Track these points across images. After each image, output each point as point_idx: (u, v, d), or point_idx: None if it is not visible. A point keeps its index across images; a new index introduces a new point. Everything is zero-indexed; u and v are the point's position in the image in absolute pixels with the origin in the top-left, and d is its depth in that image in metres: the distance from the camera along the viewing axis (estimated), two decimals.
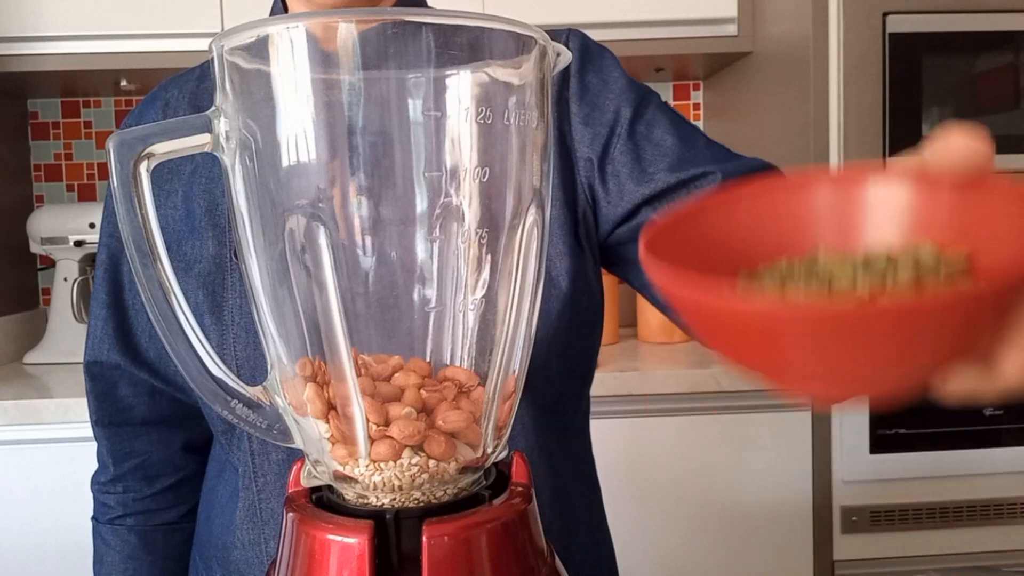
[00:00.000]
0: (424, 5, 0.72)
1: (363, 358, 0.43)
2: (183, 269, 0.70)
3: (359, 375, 0.41)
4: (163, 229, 0.40)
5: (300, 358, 0.42)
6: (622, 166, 0.69)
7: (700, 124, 2.13)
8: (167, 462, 0.80)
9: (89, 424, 0.80)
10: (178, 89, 0.76)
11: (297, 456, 0.47)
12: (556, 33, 0.73)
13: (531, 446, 0.69)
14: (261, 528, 0.69)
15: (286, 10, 0.71)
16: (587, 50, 0.73)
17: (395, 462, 0.41)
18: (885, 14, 1.54)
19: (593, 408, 0.80)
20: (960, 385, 0.31)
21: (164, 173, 0.72)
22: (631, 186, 0.69)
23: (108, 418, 0.79)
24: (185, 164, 0.72)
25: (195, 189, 0.71)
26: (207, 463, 0.79)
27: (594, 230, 0.72)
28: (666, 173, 0.68)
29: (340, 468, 0.42)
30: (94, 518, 0.82)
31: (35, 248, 1.82)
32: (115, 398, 0.78)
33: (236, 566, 0.71)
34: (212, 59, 0.41)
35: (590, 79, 0.71)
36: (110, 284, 0.76)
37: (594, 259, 0.73)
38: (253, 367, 0.67)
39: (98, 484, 0.81)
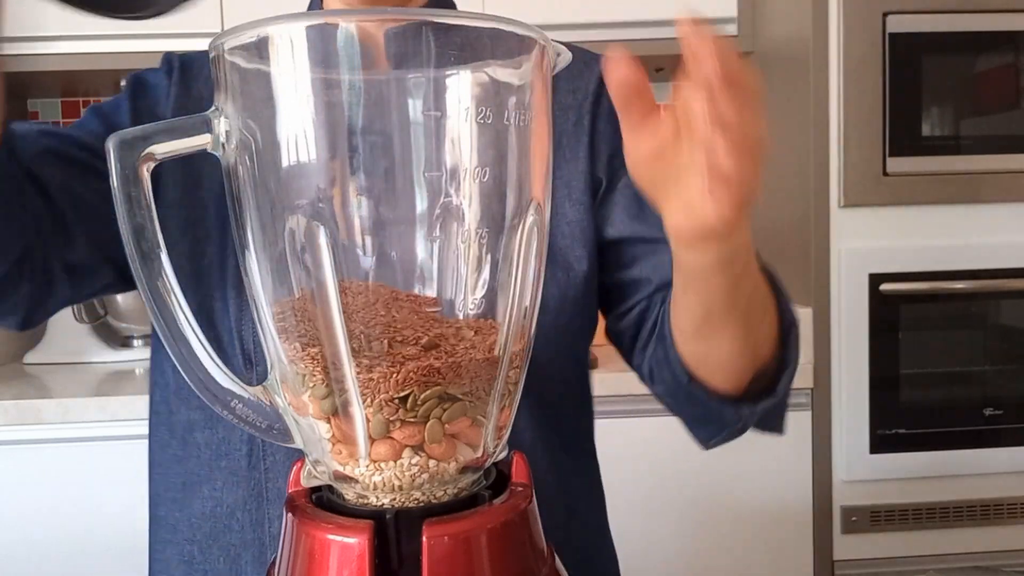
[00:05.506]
0: (432, 6, 0.72)
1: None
2: (180, 270, 0.69)
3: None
4: (162, 229, 0.41)
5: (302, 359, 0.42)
6: (624, 197, 0.74)
7: None
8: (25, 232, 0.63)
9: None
10: (152, 75, 0.76)
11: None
12: (594, 56, 0.74)
13: (533, 444, 0.69)
14: (267, 508, 0.69)
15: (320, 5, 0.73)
16: None
17: (395, 462, 0.41)
18: (885, 14, 1.54)
19: (593, 408, 0.80)
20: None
21: (162, 173, 0.72)
22: (625, 218, 0.74)
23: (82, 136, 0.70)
24: (181, 162, 0.72)
25: (193, 190, 0.71)
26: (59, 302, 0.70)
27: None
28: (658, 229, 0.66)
29: (340, 468, 0.42)
30: None
31: None
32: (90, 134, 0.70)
33: (231, 548, 0.70)
34: (212, 59, 0.41)
35: None
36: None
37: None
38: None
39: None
